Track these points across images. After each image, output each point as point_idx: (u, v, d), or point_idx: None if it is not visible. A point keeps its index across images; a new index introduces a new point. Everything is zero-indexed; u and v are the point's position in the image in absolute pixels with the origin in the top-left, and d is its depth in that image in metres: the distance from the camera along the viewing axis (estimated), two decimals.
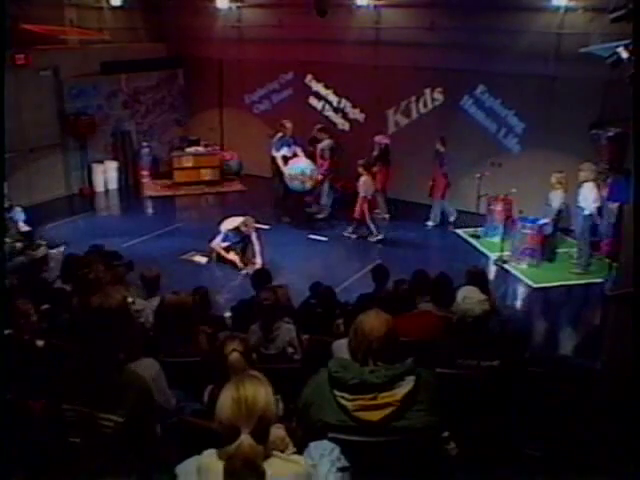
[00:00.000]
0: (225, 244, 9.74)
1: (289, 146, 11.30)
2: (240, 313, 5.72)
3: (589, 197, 9.22)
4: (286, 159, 11.20)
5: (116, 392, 2.74)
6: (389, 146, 11.75)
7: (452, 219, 11.42)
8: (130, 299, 3.08)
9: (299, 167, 10.93)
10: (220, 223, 9.87)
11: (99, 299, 2.91)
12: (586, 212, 9.25)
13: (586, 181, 9.29)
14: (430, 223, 11.44)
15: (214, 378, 3.44)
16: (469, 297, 4.02)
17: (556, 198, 9.68)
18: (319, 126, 12.30)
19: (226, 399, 2.18)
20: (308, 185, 11.02)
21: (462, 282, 5.42)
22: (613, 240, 9.79)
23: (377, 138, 11.75)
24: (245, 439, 2.09)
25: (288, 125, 11.32)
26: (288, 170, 10.96)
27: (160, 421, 3.34)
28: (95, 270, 5.19)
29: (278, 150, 11.27)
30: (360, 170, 10.71)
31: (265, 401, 2.19)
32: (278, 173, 11.33)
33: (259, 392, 2.20)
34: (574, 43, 9.30)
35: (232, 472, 2.09)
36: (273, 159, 11.40)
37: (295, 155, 11.27)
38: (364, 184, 10.68)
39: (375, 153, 11.57)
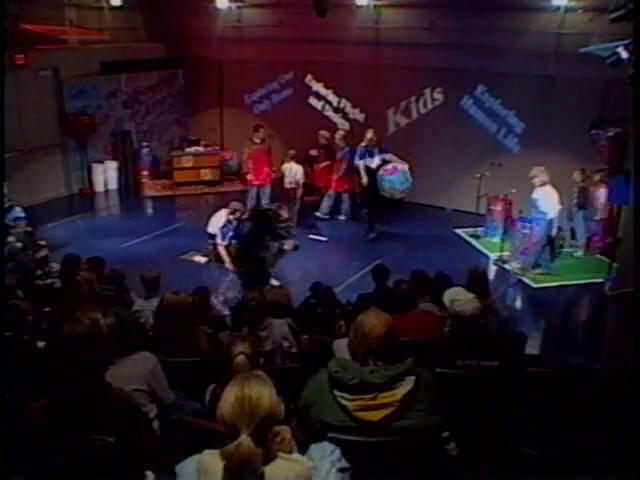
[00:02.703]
0: (226, 242, 9.66)
1: (372, 156, 10.74)
2: (240, 313, 5.71)
3: (552, 200, 9.05)
4: (370, 169, 10.72)
5: (104, 412, 2.70)
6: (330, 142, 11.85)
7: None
8: (102, 321, 3.03)
9: (390, 180, 10.43)
10: (206, 225, 9.79)
11: (70, 326, 2.89)
12: (550, 216, 9.06)
13: (543, 184, 9.08)
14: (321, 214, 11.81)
15: (217, 377, 3.44)
16: (457, 299, 4.03)
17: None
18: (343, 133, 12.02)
19: (229, 397, 2.16)
20: (398, 196, 10.64)
21: (463, 282, 5.43)
22: (603, 236, 9.92)
23: (321, 132, 11.75)
24: (244, 440, 2.07)
25: (369, 135, 10.78)
26: (379, 180, 10.50)
27: (159, 416, 3.34)
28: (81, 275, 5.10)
29: (360, 159, 10.79)
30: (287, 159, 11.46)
31: (269, 402, 2.17)
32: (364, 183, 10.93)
33: (264, 393, 2.18)
34: (574, 43, 9.30)
35: (230, 473, 2.08)
36: (356, 169, 11.00)
37: (384, 163, 10.66)
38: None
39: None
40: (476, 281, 5.63)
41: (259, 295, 4.73)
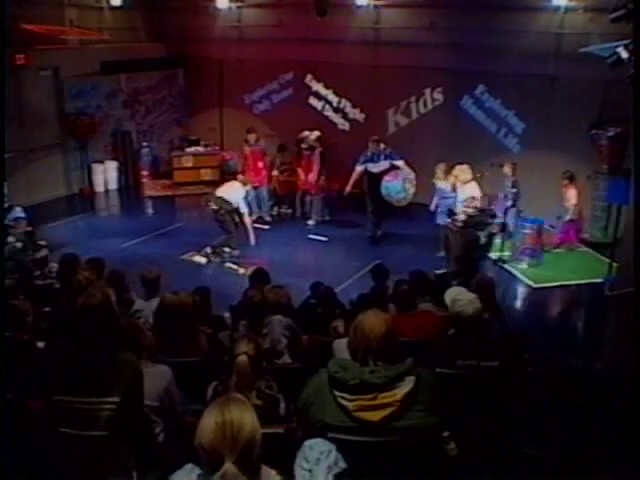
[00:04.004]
0: (248, 210, 10.18)
1: (373, 161, 10.68)
2: (240, 313, 5.72)
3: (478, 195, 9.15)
4: (373, 174, 10.67)
5: (110, 375, 2.81)
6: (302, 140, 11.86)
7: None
8: (113, 298, 3.14)
9: (387, 187, 10.37)
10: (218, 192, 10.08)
11: (82, 299, 2.99)
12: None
13: (468, 181, 9.19)
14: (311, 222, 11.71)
15: (219, 376, 3.44)
16: (458, 299, 4.03)
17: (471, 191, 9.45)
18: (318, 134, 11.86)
19: (209, 424, 2.02)
20: (394, 204, 10.53)
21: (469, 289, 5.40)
22: (575, 231, 10.21)
23: (304, 134, 11.74)
24: (229, 468, 1.95)
25: (370, 144, 10.73)
26: (381, 186, 10.45)
27: (164, 425, 3.34)
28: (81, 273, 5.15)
29: (361, 164, 10.74)
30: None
31: (251, 427, 2.03)
32: (367, 188, 10.89)
33: (246, 417, 2.04)
34: (574, 43, 9.30)
35: None
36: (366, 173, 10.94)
37: (391, 169, 10.58)
38: None
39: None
40: (484, 291, 5.56)
41: (259, 293, 4.74)
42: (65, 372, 2.87)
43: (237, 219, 10.05)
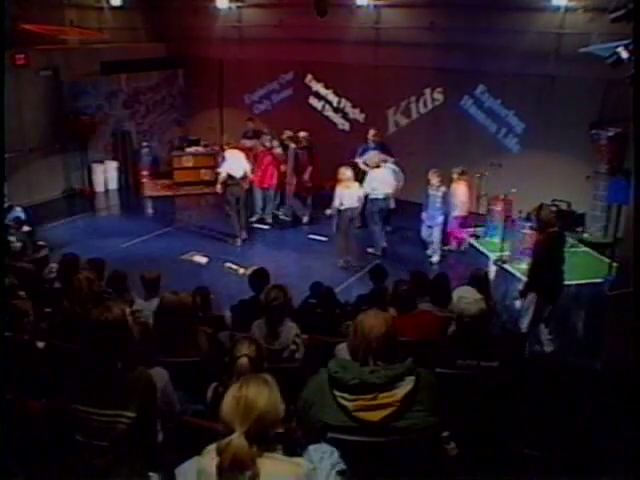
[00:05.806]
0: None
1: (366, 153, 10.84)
2: (240, 313, 5.72)
3: (386, 179, 9.69)
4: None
5: (127, 389, 2.86)
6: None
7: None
8: (128, 310, 3.14)
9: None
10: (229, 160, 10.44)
11: (98, 312, 3.00)
12: (380, 196, 9.67)
13: (378, 166, 9.72)
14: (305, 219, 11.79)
15: (217, 376, 3.43)
16: (464, 297, 4.03)
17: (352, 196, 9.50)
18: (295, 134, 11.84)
19: (227, 397, 2.22)
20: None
21: (463, 283, 5.42)
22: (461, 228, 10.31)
23: (302, 134, 11.72)
24: (236, 437, 2.09)
25: (369, 134, 11.00)
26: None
27: (163, 426, 3.34)
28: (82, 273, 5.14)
29: (360, 156, 10.89)
30: None
31: (266, 403, 2.19)
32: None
33: (262, 393, 2.21)
34: (574, 43, 9.31)
35: (222, 470, 2.09)
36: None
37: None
38: None
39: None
40: (478, 283, 5.61)
41: (283, 295, 4.66)
42: (82, 382, 2.90)
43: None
